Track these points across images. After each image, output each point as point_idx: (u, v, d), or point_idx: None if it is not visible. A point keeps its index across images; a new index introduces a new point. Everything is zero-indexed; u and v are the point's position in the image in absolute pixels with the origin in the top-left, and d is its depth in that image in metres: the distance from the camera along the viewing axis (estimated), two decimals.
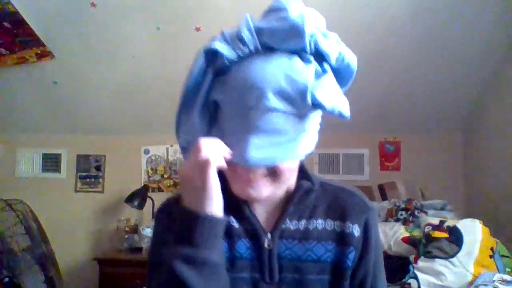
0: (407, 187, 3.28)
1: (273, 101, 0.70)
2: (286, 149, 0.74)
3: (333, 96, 0.75)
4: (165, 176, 3.89)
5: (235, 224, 0.83)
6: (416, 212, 2.72)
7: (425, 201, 2.93)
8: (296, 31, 0.70)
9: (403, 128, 3.63)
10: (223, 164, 0.73)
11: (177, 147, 3.86)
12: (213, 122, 0.79)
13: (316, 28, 0.73)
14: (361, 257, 0.84)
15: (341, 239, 0.83)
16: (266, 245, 0.81)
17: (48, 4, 2.80)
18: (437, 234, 2.06)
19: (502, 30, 2.76)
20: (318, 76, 0.73)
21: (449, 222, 2.14)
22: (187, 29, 2.90)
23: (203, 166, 0.70)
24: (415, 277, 1.92)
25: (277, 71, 0.71)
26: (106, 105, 3.63)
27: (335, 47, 0.75)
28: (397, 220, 2.75)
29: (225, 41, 0.76)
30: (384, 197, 3.26)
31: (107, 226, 3.85)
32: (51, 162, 4.01)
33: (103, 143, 3.96)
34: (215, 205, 0.72)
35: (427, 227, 2.15)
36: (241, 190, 0.78)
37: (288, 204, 0.83)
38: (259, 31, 0.73)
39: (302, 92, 0.71)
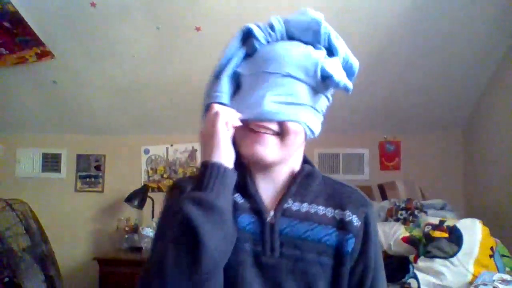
0: (407, 187, 3.28)
1: (291, 68, 0.84)
2: (297, 111, 0.84)
3: (339, 72, 0.87)
4: (165, 176, 3.89)
5: (240, 200, 0.89)
6: (416, 212, 2.73)
7: (425, 201, 2.93)
8: (314, 24, 0.86)
9: (403, 128, 3.63)
10: (233, 122, 0.83)
11: (177, 146, 3.87)
12: (235, 92, 0.91)
13: (329, 28, 0.89)
14: (362, 251, 0.89)
15: (341, 225, 0.88)
16: (268, 219, 0.87)
17: (48, 4, 2.80)
18: (437, 233, 2.06)
19: (502, 31, 2.76)
20: (328, 57, 0.88)
21: (449, 222, 2.14)
22: (187, 29, 2.90)
23: (214, 118, 0.82)
24: (415, 277, 1.92)
25: (295, 49, 0.86)
26: (106, 104, 3.64)
27: (343, 47, 0.90)
28: (397, 219, 2.75)
29: (259, 27, 0.90)
30: (384, 197, 3.26)
31: (107, 226, 3.85)
32: (51, 162, 4.01)
33: (103, 142, 3.96)
34: (224, 156, 0.81)
35: (427, 226, 2.15)
36: (250, 148, 0.85)
37: (292, 184, 0.90)
38: (286, 22, 0.90)
39: (315, 64, 0.84)
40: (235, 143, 0.86)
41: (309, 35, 0.88)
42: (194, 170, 3.84)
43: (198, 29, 2.89)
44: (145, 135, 3.90)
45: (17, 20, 2.83)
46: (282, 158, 0.88)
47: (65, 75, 3.36)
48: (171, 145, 3.90)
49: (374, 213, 0.95)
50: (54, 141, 4.00)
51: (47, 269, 2.96)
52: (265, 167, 0.89)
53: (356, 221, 0.89)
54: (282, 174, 0.91)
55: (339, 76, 0.87)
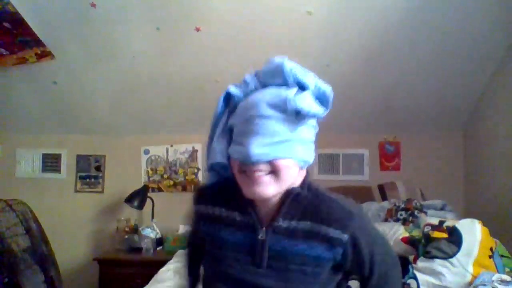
0: (407, 187, 3.28)
1: (265, 110, 0.95)
2: (280, 148, 0.95)
3: (309, 103, 0.96)
4: (165, 176, 3.89)
5: (238, 218, 1.06)
6: (415, 212, 2.73)
7: (425, 201, 2.93)
8: (279, 68, 0.97)
9: (403, 128, 3.63)
10: None
11: (177, 147, 3.88)
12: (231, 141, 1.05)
13: (294, 65, 0.99)
14: (357, 261, 1.04)
15: (326, 240, 1.01)
16: (259, 236, 1.03)
17: (48, 4, 2.80)
18: (436, 234, 2.06)
19: (502, 31, 2.76)
20: (298, 93, 0.97)
21: (449, 222, 2.14)
22: (187, 29, 2.90)
23: None
24: (414, 277, 1.92)
25: (268, 93, 0.98)
26: (106, 105, 3.64)
27: (312, 79, 0.99)
28: (397, 220, 2.75)
29: (235, 86, 1.05)
30: (384, 197, 3.27)
31: (107, 227, 3.85)
32: (51, 162, 4.01)
33: (103, 143, 3.96)
34: None
35: (426, 227, 2.15)
36: (250, 191, 0.98)
37: (282, 205, 1.03)
38: (256, 75, 1.04)
39: (284, 101, 0.94)
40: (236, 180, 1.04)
41: (278, 79, 0.98)
42: (195, 171, 3.85)
43: (198, 29, 2.90)
44: (145, 135, 3.91)
45: (17, 21, 2.83)
46: (280, 191, 1.01)
47: (65, 75, 3.36)
48: (171, 146, 3.90)
49: (362, 220, 1.07)
50: (54, 142, 4.00)
51: (47, 269, 2.96)
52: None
53: (341, 236, 1.01)
54: (276, 198, 1.03)
55: (308, 107, 0.95)
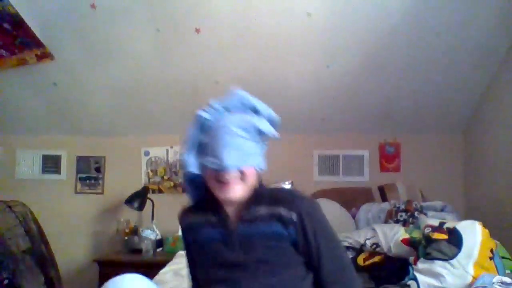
0: (407, 189, 3.28)
1: (235, 129, 1.21)
2: (247, 158, 1.23)
3: (267, 127, 1.27)
4: (165, 177, 3.89)
5: (213, 218, 1.31)
6: (416, 214, 2.73)
7: (425, 203, 2.93)
8: (242, 101, 1.27)
9: (403, 129, 3.63)
10: None
11: (177, 148, 3.87)
12: (201, 155, 1.28)
13: (252, 98, 1.28)
14: (304, 237, 1.24)
15: (279, 219, 1.24)
16: (230, 228, 1.28)
17: (48, 5, 2.80)
18: (436, 235, 2.05)
19: (502, 32, 2.76)
20: (258, 119, 1.26)
21: (449, 224, 2.14)
22: (187, 30, 2.91)
23: None
24: (415, 279, 1.92)
25: (236, 117, 1.24)
26: (106, 106, 3.64)
27: (265, 107, 1.28)
28: (397, 221, 2.75)
29: (204, 109, 1.28)
30: (384, 198, 3.26)
31: (107, 228, 3.85)
32: (51, 164, 4.01)
33: (103, 144, 3.96)
34: None
35: (426, 228, 2.15)
36: (223, 194, 1.24)
37: (245, 202, 1.28)
38: (221, 102, 1.28)
39: (252, 125, 1.23)
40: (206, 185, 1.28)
41: (241, 108, 1.26)
42: None
43: (198, 30, 2.90)
44: (145, 136, 3.90)
45: (17, 22, 2.83)
46: (246, 192, 1.26)
47: (65, 76, 3.36)
48: (171, 147, 3.90)
49: (309, 205, 1.29)
50: (54, 143, 4.00)
51: (47, 271, 2.96)
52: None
53: (290, 214, 1.24)
54: (243, 197, 1.27)
55: (269, 130, 1.27)
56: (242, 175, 1.23)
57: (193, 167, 1.27)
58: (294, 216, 1.24)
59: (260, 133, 1.25)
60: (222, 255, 1.27)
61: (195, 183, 1.34)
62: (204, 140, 1.25)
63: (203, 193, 1.34)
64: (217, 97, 1.30)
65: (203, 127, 1.27)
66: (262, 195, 1.30)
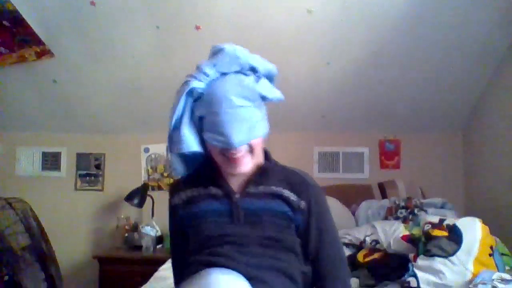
0: (407, 186, 3.28)
1: (237, 101, 1.12)
2: (254, 130, 1.16)
3: (270, 90, 1.21)
4: (165, 174, 3.89)
5: (214, 191, 1.24)
6: (415, 211, 2.73)
7: (425, 200, 2.93)
8: (234, 58, 1.16)
9: (403, 126, 3.63)
10: None
11: None
12: (200, 130, 1.20)
13: (245, 54, 1.17)
14: (308, 223, 1.23)
15: (287, 201, 1.21)
16: (234, 200, 1.22)
17: (48, 2, 2.79)
18: (436, 232, 2.06)
19: (502, 30, 2.76)
20: (256, 80, 1.19)
21: (449, 221, 2.14)
22: (187, 27, 2.90)
23: None
24: (415, 276, 1.92)
25: (233, 84, 1.15)
26: (105, 103, 3.63)
27: (261, 62, 1.20)
28: (397, 218, 2.75)
29: (193, 77, 1.17)
30: (384, 195, 3.27)
31: (107, 225, 3.85)
32: (51, 161, 4.01)
33: (103, 141, 3.96)
34: None
35: (426, 225, 2.15)
36: (233, 169, 1.19)
37: (252, 175, 1.24)
38: (215, 65, 1.17)
39: (253, 91, 1.15)
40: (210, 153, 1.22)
41: (233, 67, 1.16)
42: None
43: (198, 28, 2.89)
44: (145, 133, 3.90)
45: (17, 19, 2.82)
46: (254, 164, 1.22)
47: (65, 74, 3.35)
48: None
49: (317, 190, 1.28)
50: (54, 140, 4.00)
51: (47, 267, 2.96)
52: None
53: (299, 202, 1.22)
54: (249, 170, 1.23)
55: (271, 93, 1.21)
56: (251, 147, 1.18)
57: (192, 144, 1.17)
58: (302, 204, 1.22)
59: (262, 98, 1.18)
60: (226, 228, 1.19)
61: (184, 156, 1.24)
62: (201, 113, 1.16)
63: (194, 166, 1.26)
64: (206, 57, 1.21)
65: (195, 96, 1.17)
66: (272, 171, 1.26)
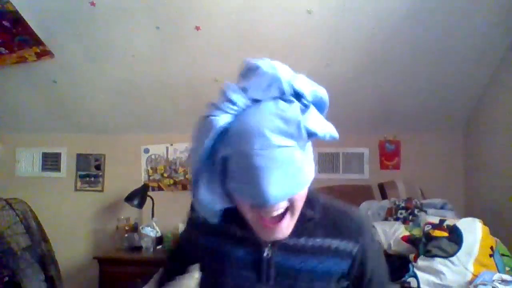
0: (407, 186, 3.28)
1: (275, 139, 0.80)
2: (298, 179, 0.84)
3: (320, 124, 0.87)
4: (165, 175, 3.89)
5: (239, 233, 0.97)
6: (416, 211, 2.73)
7: (425, 200, 2.93)
8: (274, 81, 0.83)
9: (403, 127, 3.63)
10: None
11: (177, 146, 3.87)
12: (225, 176, 0.86)
13: (288, 73, 0.85)
14: (359, 273, 1.00)
15: (336, 254, 0.97)
16: (265, 254, 0.95)
17: (48, 3, 2.79)
18: (437, 233, 2.06)
19: (502, 30, 2.75)
20: (303, 111, 0.84)
21: (449, 221, 2.14)
22: (187, 28, 2.90)
23: None
24: (415, 276, 1.92)
25: (269, 114, 0.81)
26: (105, 104, 3.63)
27: (308, 86, 0.87)
28: (397, 219, 2.75)
29: (217, 109, 0.84)
30: (384, 196, 3.26)
31: (107, 225, 3.85)
32: (51, 161, 4.01)
33: (103, 142, 3.96)
34: None
35: (427, 226, 2.15)
36: (268, 235, 0.90)
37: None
38: (244, 89, 0.84)
39: (297, 126, 0.81)
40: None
41: (272, 92, 0.83)
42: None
43: (197, 28, 2.89)
44: (145, 134, 3.90)
45: (17, 20, 2.82)
46: (294, 222, 0.91)
47: (64, 74, 3.35)
48: (171, 145, 3.89)
49: (370, 236, 1.05)
50: (54, 141, 4.00)
51: (47, 268, 2.96)
52: None
53: (351, 248, 0.97)
54: None
55: (323, 130, 0.87)
56: (291, 203, 0.87)
57: (218, 202, 0.88)
58: (355, 250, 0.98)
59: (310, 135, 0.85)
60: (249, 284, 0.95)
61: None
62: (225, 153, 0.84)
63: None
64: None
65: (219, 133, 0.84)
66: (316, 220, 0.97)
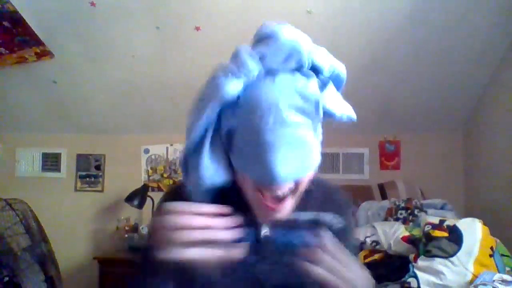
0: (407, 187, 3.28)
1: (291, 117, 0.74)
2: (308, 161, 0.79)
3: (338, 103, 0.83)
4: (165, 175, 3.89)
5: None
6: (416, 211, 2.73)
7: (425, 200, 2.93)
8: (295, 53, 0.75)
9: (403, 127, 3.63)
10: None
11: (177, 146, 3.87)
12: (229, 151, 0.80)
13: (309, 45, 0.77)
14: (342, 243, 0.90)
15: (328, 228, 0.92)
16: (263, 232, 0.89)
17: (48, 3, 2.79)
18: (437, 233, 2.06)
19: (502, 31, 2.75)
20: (321, 88, 0.79)
21: (449, 221, 2.14)
22: (187, 28, 2.90)
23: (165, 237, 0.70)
24: (415, 276, 1.92)
25: (287, 89, 0.75)
26: (105, 104, 3.63)
27: (327, 60, 0.80)
28: (397, 219, 2.75)
29: (229, 74, 0.74)
30: (384, 196, 3.26)
31: (107, 226, 3.85)
32: (51, 162, 4.01)
33: (103, 142, 3.96)
34: None
35: (427, 226, 2.15)
36: (267, 215, 0.83)
37: None
38: (261, 57, 0.75)
39: (316, 104, 0.77)
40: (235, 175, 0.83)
41: (290, 64, 0.76)
42: None
43: (197, 28, 2.89)
44: (145, 134, 3.90)
45: (17, 20, 2.82)
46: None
47: (64, 74, 3.36)
48: (171, 145, 3.90)
49: (352, 212, 1.05)
50: (54, 141, 4.00)
51: (47, 268, 2.96)
52: None
53: (339, 223, 0.96)
54: None
55: (340, 108, 0.84)
56: (296, 185, 0.81)
57: (218, 175, 0.80)
58: (342, 224, 0.97)
59: (326, 116, 0.82)
60: (247, 267, 0.85)
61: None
62: (232, 126, 0.78)
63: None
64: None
65: (227, 102, 0.76)
66: (312, 196, 0.93)
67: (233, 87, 0.73)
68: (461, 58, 2.97)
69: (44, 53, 3.11)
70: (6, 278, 2.65)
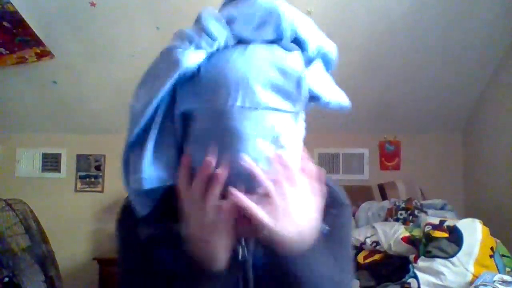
0: (407, 187, 3.28)
1: (265, 96, 0.57)
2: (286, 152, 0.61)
3: (327, 86, 0.66)
4: None
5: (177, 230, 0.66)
6: (416, 212, 2.72)
7: (425, 201, 2.93)
8: (272, 18, 0.60)
9: (403, 128, 3.63)
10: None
11: None
12: (182, 139, 0.63)
13: (293, 13, 0.64)
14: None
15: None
16: (240, 257, 0.68)
17: (48, 3, 2.79)
18: (437, 233, 2.05)
19: (502, 31, 2.75)
20: (306, 64, 0.63)
21: (449, 222, 2.14)
22: (187, 28, 2.90)
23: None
24: (415, 277, 1.92)
25: (261, 62, 0.58)
26: (106, 104, 3.63)
27: (315, 35, 0.67)
28: (397, 219, 2.74)
29: (187, 43, 0.60)
30: (384, 196, 3.26)
31: (107, 226, 3.84)
32: (51, 162, 4.01)
33: (103, 142, 3.95)
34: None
35: (427, 226, 2.15)
36: (245, 230, 0.63)
37: None
38: (229, 21, 0.61)
39: (297, 82, 0.60)
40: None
41: (266, 33, 0.60)
42: None
43: None
44: None
45: (17, 20, 2.82)
46: None
47: (65, 75, 3.35)
48: None
49: (348, 211, 0.82)
50: (54, 141, 3.99)
51: (47, 269, 2.96)
52: None
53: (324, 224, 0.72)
54: None
55: (329, 92, 0.65)
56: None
57: (161, 170, 0.61)
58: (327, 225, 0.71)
59: (311, 99, 0.63)
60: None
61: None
62: (190, 107, 0.61)
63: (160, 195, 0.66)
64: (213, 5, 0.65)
65: (183, 74, 0.60)
66: None
67: (192, 59, 0.58)
68: (461, 58, 2.97)
69: (44, 53, 3.10)
70: (6, 279, 2.65)
